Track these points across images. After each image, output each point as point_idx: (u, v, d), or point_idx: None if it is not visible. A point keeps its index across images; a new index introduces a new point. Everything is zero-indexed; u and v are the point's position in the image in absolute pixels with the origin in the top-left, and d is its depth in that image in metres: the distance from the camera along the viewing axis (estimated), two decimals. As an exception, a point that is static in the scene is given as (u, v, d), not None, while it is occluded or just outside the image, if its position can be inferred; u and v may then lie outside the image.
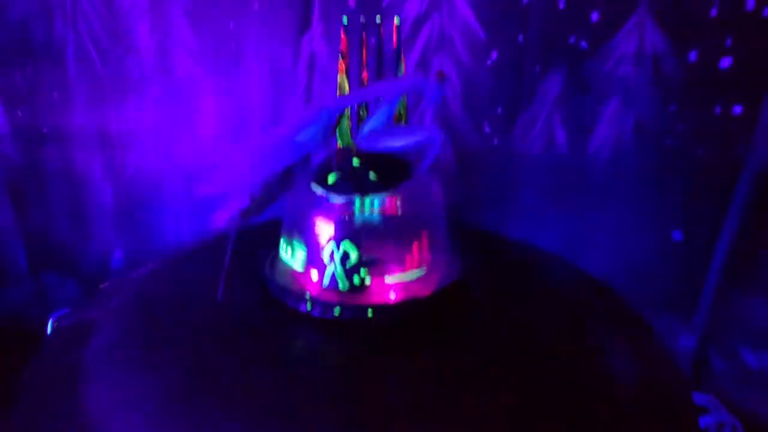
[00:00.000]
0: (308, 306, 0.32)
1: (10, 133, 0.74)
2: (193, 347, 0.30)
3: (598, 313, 0.38)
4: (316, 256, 0.33)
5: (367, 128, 0.32)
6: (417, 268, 0.32)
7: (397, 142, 0.32)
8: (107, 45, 0.70)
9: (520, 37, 0.70)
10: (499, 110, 0.73)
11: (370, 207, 0.32)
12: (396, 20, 0.38)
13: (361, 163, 0.32)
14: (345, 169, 0.33)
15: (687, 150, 0.71)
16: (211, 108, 0.74)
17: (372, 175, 0.32)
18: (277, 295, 0.33)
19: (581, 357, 0.32)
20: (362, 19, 0.37)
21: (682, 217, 0.74)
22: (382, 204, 0.32)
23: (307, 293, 0.32)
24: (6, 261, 0.79)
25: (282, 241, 0.34)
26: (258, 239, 0.35)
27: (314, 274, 0.33)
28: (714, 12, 0.65)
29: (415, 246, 0.32)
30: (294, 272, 0.34)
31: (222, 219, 0.31)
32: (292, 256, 0.34)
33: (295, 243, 0.33)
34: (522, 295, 0.36)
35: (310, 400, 0.26)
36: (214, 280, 0.31)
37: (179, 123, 0.74)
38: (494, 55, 0.71)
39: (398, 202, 0.32)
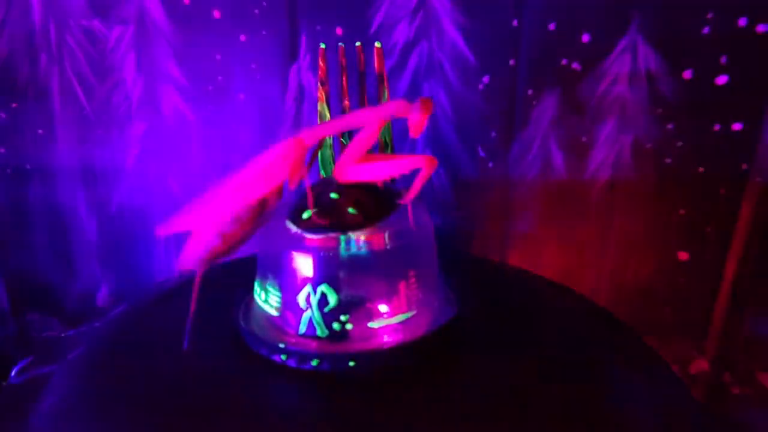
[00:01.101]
0: (283, 356, 0.29)
1: (-7, 171, 0.72)
2: (154, 406, 0.27)
3: (607, 346, 0.35)
4: (291, 300, 0.30)
5: (345, 158, 0.30)
6: (405, 310, 0.29)
7: (380, 174, 0.30)
8: (93, 81, 0.70)
9: (511, 61, 0.69)
10: (493, 134, 0.72)
11: (349, 245, 0.29)
12: (377, 45, 0.36)
13: (339, 197, 0.30)
14: (322, 204, 0.30)
15: (688, 168, 0.69)
16: (198, 141, 0.72)
17: (351, 210, 0.29)
18: (249, 343, 0.30)
19: (592, 396, 0.29)
20: (342, 44, 0.36)
21: (687, 237, 0.72)
22: (363, 241, 0.29)
23: (282, 342, 0.29)
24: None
25: (256, 283, 0.32)
26: (233, 279, 0.32)
27: (290, 320, 0.30)
28: (707, 30, 0.65)
29: (402, 286, 0.29)
30: (269, 317, 0.31)
31: (189, 260, 0.29)
32: (266, 300, 0.31)
33: (269, 286, 0.31)
34: (524, 331, 0.33)
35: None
36: (183, 327, 0.29)
37: (166, 157, 0.73)
38: (486, 79, 0.70)
39: (382, 239, 0.29)
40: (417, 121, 0.29)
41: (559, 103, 0.69)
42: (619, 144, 0.69)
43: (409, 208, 0.29)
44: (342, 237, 0.29)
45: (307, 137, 0.29)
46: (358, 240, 0.29)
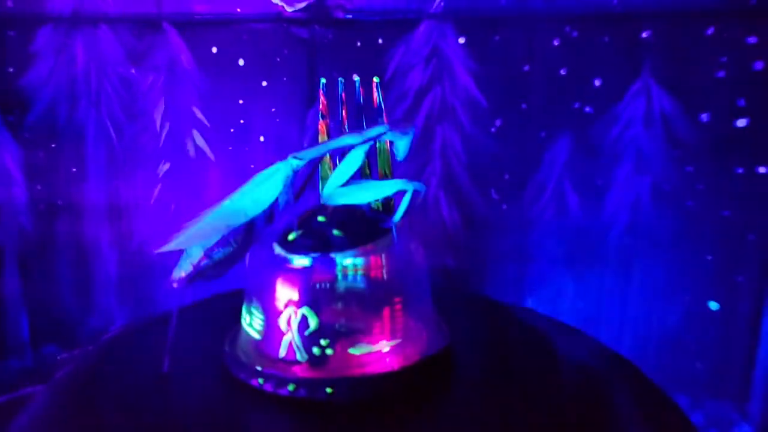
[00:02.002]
0: (260, 380, 0.28)
1: (27, 206, 0.76)
2: (125, 428, 0.26)
3: (613, 392, 0.32)
4: (273, 322, 0.29)
5: (332, 182, 0.30)
6: (389, 338, 0.28)
7: (365, 196, 0.30)
8: (125, 124, 0.74)
9: (523, 104, 0.70)
10: (507, 176, 0.72)
11: (333, 267, 0.29)
12: (375, 79, 0.38)
13: (326, 220, 0.30)
14: (309, 227, 0.30)
15: (711, 212, 0.67)
16: (218, 181, 0.75)
17: (336, 232, 0.29)
18: (230, 367, 0.30)
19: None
20: (341, 79, 0.37)
21: (717, 285, 0.68)
22: (347, 264, 0.29)
23: (260, 366, 0.28)
24: (8, 332, 0.78)
25: (243, 307, 0.31)
26: (229, 309, 0.32)
27: (271, 344, 0.29)
28: (721, 73, 0.64)
29: (386, 313, 0.28)
30: (252, 341, 0.30)
31: (177, 276, 0.29)
32: (250, 323, 0.30)
33: (254, 308, 0.30)
34: (519, 372, 0.31)
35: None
36: (171, 351, 0.28)
37: (187, 196, 0.75)
38: (498, 122, 0.71)
39: (366, 263, 0.29)
40: (400, 144, 0.29)
41: (573, 146, 0.69)
42: (637, 187, 0.68)
43: (394, 230, 0.29)
44: (326, 259, 0.28)
45: (295, 159, 0.30)
46: (342, 262, 0.29)
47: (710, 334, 0.69)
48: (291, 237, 0.30)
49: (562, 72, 0.68)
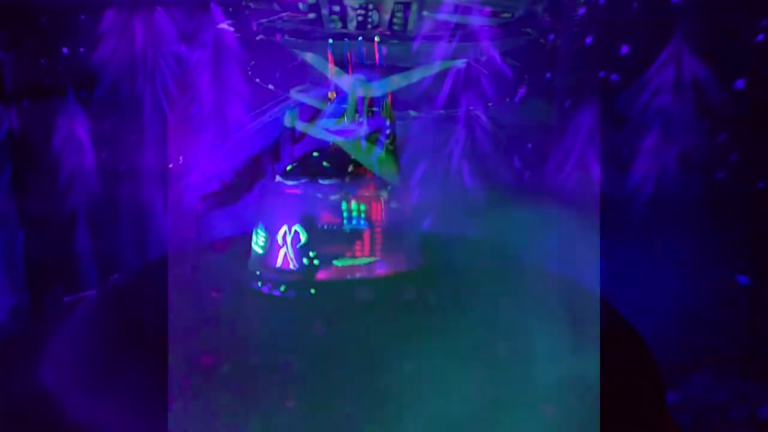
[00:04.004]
0: (259, 283, 0.34)
1: (95, 171, 0.87)
2: (156, 312, 0.32)
3: (570, 311, 0.34)
4: (273, 239, 0.35)
5: (323, 123, 0.34)
6: (368, 254, 0.32)
7: (350, 134, 0.34)
8: (175, 96, 0.82)
9: (548, 74, 0.70)
10: (529, 146, 0.73)
11: (320, 193, 0.33)
12: (376, 38, 0.41)
13: (319, 155, 0.35)
14: (305, 160, 0.35)
15: (744, 183, 0.64)
16: (257, 145, 0.81)
17: (325, 164, 0.34)
18: (239, 276, 0.36)
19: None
20: (347, 41, 0.41)
21: (748, 259, 0.65)
22: (332, 191, 0.33)
23: (259, 272, 0.34)
24: (82, 279, 0.89)
25: (254, 230, 0.37)
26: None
27: (271, 256, 0.35)
28: (761, 37, 0.62)
29: (366, 234, 0.32)
30: (258, 256, 0.36)
31: (201, 203, 0.35)
32: (256, 241, 0.36)
33: (260, 229, 0.36)
34: (488, 295, 0.34)
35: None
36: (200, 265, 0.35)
37: (228, 160, 0.82)
38: (522, 91, 0.72)
39: (349, 190, 0.33)
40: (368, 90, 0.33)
41: (598, 115, 0.68)
42: (663, 157, 0.67)
43: (375, 166, 0.33)
44: (314, 185, 0.33)
45: (291, 106, 0.35)
46: (328, 189, 0.33)
47: (739, 309, 0.67)
48: (289, 168, 0.35)
49: (588, 41, 0.68)
